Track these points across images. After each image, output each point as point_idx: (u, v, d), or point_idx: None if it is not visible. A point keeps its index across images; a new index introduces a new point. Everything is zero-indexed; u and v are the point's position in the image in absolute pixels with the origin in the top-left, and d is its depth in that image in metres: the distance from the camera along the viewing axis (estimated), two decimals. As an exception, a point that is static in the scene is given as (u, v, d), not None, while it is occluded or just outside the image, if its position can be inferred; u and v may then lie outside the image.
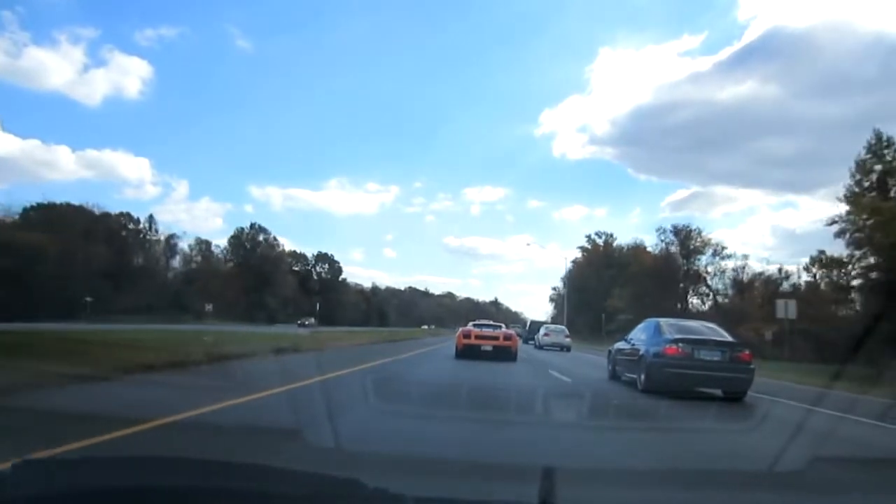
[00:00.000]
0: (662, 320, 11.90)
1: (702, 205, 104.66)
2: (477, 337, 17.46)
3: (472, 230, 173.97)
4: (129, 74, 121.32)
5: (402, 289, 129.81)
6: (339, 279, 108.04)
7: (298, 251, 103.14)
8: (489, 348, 16.89)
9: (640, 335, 11.80)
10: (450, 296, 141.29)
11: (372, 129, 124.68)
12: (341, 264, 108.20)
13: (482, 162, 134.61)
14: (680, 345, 10.19)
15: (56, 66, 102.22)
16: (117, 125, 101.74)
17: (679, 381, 9.82)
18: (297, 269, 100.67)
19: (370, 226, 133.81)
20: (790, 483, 3.88)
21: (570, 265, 75.02)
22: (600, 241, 79.30)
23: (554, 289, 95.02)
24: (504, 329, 19.00)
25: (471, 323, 19.91)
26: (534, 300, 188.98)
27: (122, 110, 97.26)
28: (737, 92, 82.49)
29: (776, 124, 73.45)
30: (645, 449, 5.23)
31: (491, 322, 22.01)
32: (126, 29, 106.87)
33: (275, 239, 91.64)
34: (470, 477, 3.33)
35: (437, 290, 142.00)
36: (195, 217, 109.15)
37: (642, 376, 10.60)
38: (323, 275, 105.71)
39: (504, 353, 16.81)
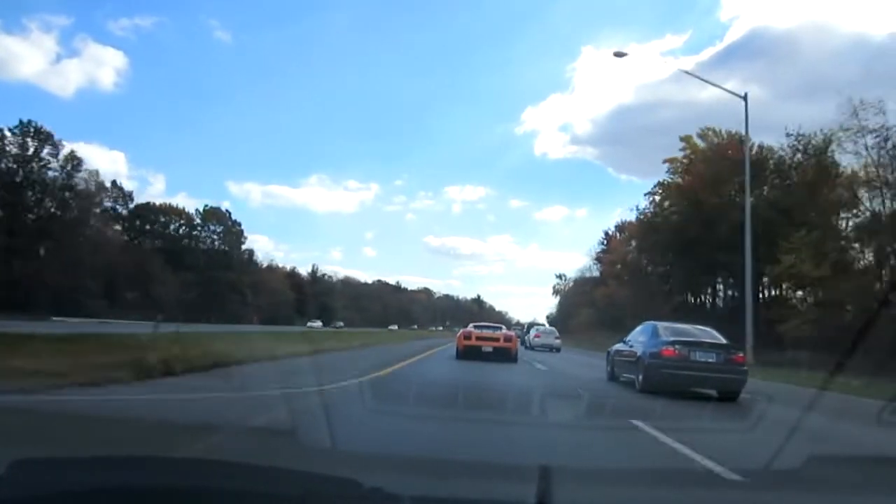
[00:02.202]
0: (659, 323, 12.19)
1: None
2: (477, 338, 17.69)
3: (453, 230, 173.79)
4: (104, 65, 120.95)
5: (369, 282, 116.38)
6: (241, 251, 75.34)
7: (177, 205, 70.21)
8: (489, 349, 17.15)
9: (638, 337, 12.01)
10: (426, 292, 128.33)
11: (352, 125, 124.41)
12: (243, 229, 75.65)
13: (463, 160, 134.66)
14: (676, 346, 10.42)
15: (27, 56, 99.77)
16: (92, 117, 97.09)
17: (675, 382, 10.02)
18: (174, 229, 68.34)
19: (350, 224, 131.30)
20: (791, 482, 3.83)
21: (647, 201, 42.48)
22: (719, 138, 37.82)
23: (559, 277, 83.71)
24: (504, 330, 19.30)
25: (471, 324, 20.24)
26: (517, 300, 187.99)
27: (97, 102, 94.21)
28: (718, 92, 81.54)
29: (758, 125, 70.92)
30: (642, 447, 5.21)
31: (491, 324, 22.48)
32: (100, 18, 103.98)
33: (72, 156, 50.27)
34: (467, 476, 3.32)
35: (415, 288, 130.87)
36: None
37: (640, 377, 10.81)
38: (215, 243, 71.69)
39: (504, 355, 17.07)
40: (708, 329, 11.98)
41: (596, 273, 66.19)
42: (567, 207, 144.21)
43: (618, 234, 59.45)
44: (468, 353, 17.03)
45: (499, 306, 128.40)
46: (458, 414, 6.19)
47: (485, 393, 9.08)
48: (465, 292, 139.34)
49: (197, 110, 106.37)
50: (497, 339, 17.65)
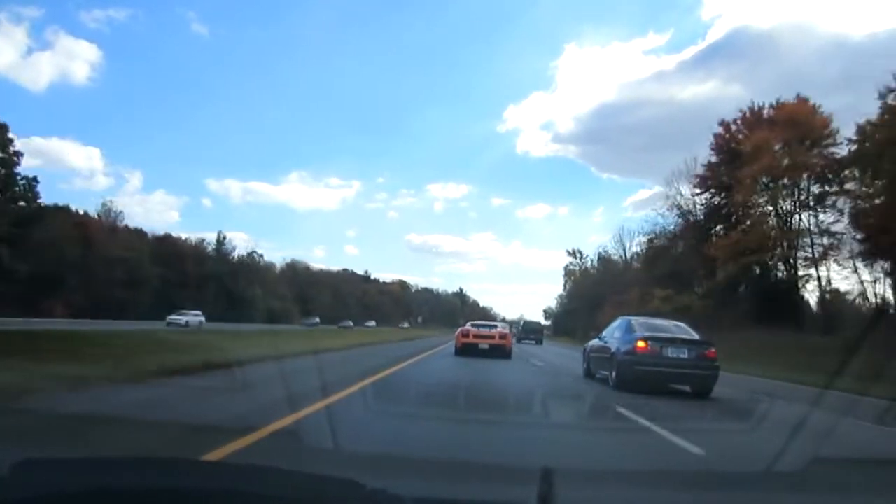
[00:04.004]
0: (634, 319, 12.20)
1: (665, 205, 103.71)
2: (475, 336, 18.81)
3: (436, 227, 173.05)
4: (77, 58, 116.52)
5: (335, 270, 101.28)
6: (12, 179, 42.27)
7: None
8: (486, 346, 18.30)
9: (613, 333, 12.00)
10: (401, 284, 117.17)
11: (333, 122, 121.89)
12: (12, 136, 43.18)
13: (445, 158, 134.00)
14: (649, 343, 10.43)
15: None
16: (65, 112, 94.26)
17: (649, 379, 10.05)
18: None
19: (332, 221, 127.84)
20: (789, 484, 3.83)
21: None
22: None
23: (573, 253, 67.40)
24: (499, 329, 20.58)
25: (469, 323, 21.67)
26: (501, 298, 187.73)
27: (70, 96, 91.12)
28: (700, 91, 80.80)
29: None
30: (639, 448, 5.19)
31: (488, 322, 24.44)
32: (72, 9, 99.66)
33: None
34: (469, 477, 3.36)
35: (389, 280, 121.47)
36: (149, 210, 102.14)
37: (613, 374, 10.83)
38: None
39: (499, 351, 18.19)
40: (681, 325, 12.04)
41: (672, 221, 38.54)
42: (549, 205, 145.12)
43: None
44: (466, 350, 18.06)
45: (483, 302, 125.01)
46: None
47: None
48: (447, 288, 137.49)
49: (174, 105, 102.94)
50: (493, 337, 18.89)
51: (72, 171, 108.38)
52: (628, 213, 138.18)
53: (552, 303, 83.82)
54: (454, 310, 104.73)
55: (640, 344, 10.43)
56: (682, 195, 38.91)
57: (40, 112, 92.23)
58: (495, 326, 21.29)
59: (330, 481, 1.56)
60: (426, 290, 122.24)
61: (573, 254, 68.13)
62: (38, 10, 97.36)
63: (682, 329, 11.57)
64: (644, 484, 3.67)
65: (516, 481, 2.84)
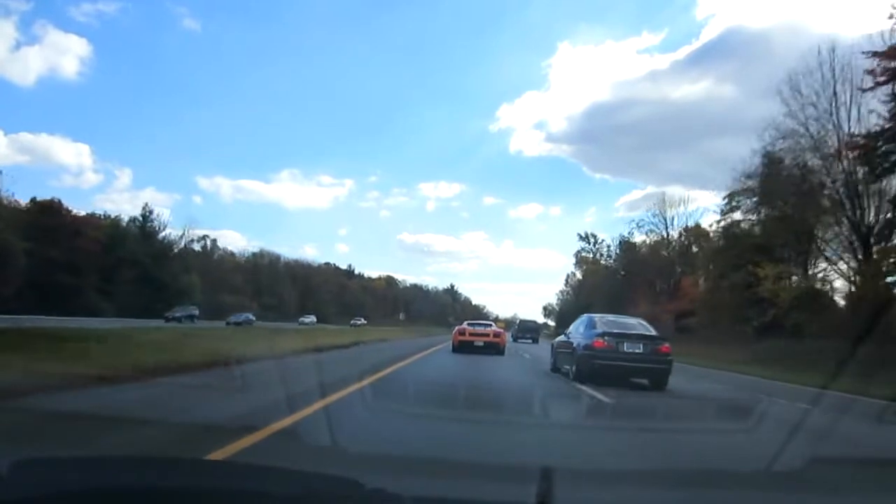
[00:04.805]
0: (597, 315, 12.71)
1: (657, 206, 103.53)
2: (471, 334, 20.16)
3: (428, 226, 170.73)
4: (66, 53, 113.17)
5: (313, 264, 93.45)
6: None
7: None
8: (481, 344, 19.59)
9: (577, 329, 12.46)
10: (388, 280, 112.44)
11: (326, 120, 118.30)
12: None
13: (438, 157, 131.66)
14: (606, 338, 10.92)
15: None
16: (54, 107, 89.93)
17: (606, 372, 10.50)
18: None
19: (323, 220, 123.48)
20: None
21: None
22: None
23: (586, 238, 58.88)
24: (494, 327, 21.99)
25: (465, 322, 23.42)
26: (493, 297, 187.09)
27: (59, 92, 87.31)
28: (693, 91, 77.90)
29: (731, 125, 64.19)
30: (639, 448, 5.24)
31: (483, 321, 26.74)
32: (60, 2, 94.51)
33: None
34: (468, 476, 3.40)
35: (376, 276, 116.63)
36: (139, 208, 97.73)
37: (574, 367, 11.35)
38: None
39: (493, 348, 19.57)
40: (642, 322, 12.60)
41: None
42: (541, 205, 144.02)
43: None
44: (462, 347, 19.35)
45: (476, 300, 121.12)
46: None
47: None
48: (438, 286, 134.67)
49: (164, 101, 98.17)
50: (487, 335, 20.09)
51: (61, 167, 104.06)
52: (620, 213, 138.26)
53: (553, 299, 79.94)
54: (445, 307, 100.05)
55: (599, 339, 10.91)
56: (814, 107, 24.13)
57: (29, 107, 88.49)
58: (490, 325, 22.56)
59: (330, 480, 1.60)
60: (415, 287, 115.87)
61: (586, 238, 57.47)
62: (27, 3, 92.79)
63: (642, 325, 12.09)
64: (644, 483, 3.71)
65: (515, 479, 2.92)
